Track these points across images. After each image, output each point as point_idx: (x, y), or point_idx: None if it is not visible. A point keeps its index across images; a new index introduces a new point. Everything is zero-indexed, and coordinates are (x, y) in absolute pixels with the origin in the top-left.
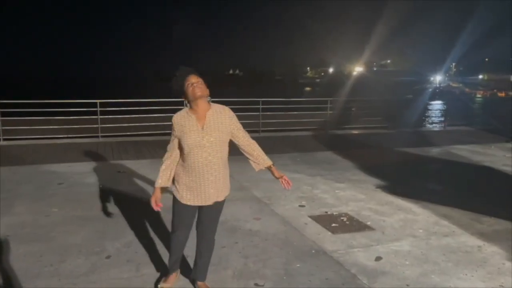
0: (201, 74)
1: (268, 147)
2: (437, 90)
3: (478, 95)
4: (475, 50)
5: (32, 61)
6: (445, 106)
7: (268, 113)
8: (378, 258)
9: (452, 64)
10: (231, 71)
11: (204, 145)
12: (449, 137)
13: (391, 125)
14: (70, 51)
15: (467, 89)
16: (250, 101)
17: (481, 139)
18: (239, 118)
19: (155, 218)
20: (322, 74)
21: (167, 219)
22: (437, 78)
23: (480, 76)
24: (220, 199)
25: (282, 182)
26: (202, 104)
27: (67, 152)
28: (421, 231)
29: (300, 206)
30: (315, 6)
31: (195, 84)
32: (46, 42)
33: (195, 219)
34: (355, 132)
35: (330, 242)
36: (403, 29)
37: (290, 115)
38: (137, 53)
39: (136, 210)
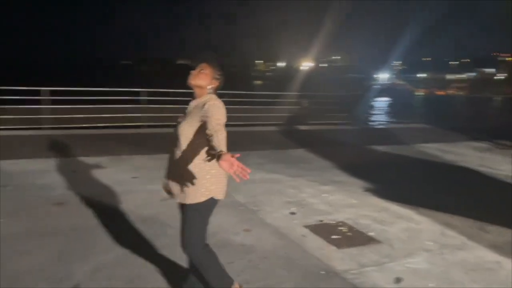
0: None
1: (236, 143)
2: (384, 87)
3: (420, 93)
4: (416, 49)
5: None
6: (396, 103)
7: (232, 107)
8: (398, 280)
9: (396, 62)
10: (181, 61)
11: (176, 134)
12: (414, 135)
13: (353, 122)
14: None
15: (410, 87)
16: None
17: (444, 137)
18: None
19: (127, 229)
20: (273, 68)
21: (142, 230)
22: (383, 75)
23: (421, 75)
24: (186, 201)
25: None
26: (196, 92)
27: (9, 147)
28: (431, 243)
29: (291, 213)
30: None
31: (192, 72)
32: None
33: None
34: (321, 128)
35: (338, 259)
36: (352, 26)
37: (254, 109)
38: (80, 40)
39: (102, 220)
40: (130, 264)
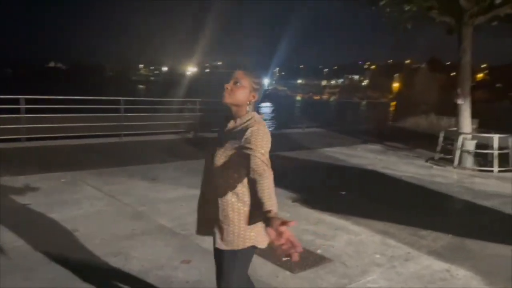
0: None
1: (141, 155)
2: (266, 93)
3: (298, 98)
4: (293, 56)
5: None
6: (280, 108)
7: (130, 114)
8: None
9: (276, 69)
10: (52, 64)
11: (210, 162)
12: (313, 139)
13: None
14: None
15: (290, 92)
16: (108, 100)
17: (341, 140)
18: (94, 120)
19: (41, 280)
20: (157, 72)
21: (62, 278)
22: (265, 81)
23: (299, 81)
24: (223, 246)
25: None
26: (233, 111)
27: None
28: (378, 256)
29: None
30: (147, 2)
31: (228, 87)
32: None
33: None
34: None
35: (298, 286)
36: (233, 31)
37: (150, 117)
38: None
39: (6, 266)
40: None
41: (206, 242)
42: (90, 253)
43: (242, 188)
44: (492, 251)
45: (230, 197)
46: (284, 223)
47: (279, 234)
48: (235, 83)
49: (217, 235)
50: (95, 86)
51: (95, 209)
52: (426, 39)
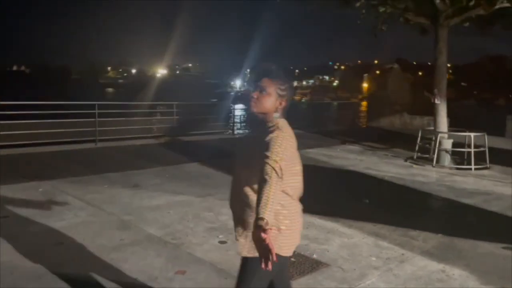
0: None
1: (118, 161)
2: (239, 94)
3: None
4: (265, 58)
5: None
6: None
7: (105, 119)
8: None
9: (247, 70)
10: (14, 67)
11: (236, 168)
12: None
13: (229, 130)
14: None
15: None
16: (81, 104)
17: (319, 141)
18: (66, 125)
19: None
20: (125, 74)
21: None
22: (237, 83)
23: None
24: (245, 251)
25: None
26: (261, 118)
27: None
28: (374, 259)
29: (220, 242)
30: (114, 2)
31: (254, 95)
32: None
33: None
34: (201, 138)
35: None
36: (204, 34)
37: (129, 121)
38: None
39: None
40: None
41: (199, 251)
42: (79, 266)
43: None
44: (482, 250)
45: (253, 203)
46: (265, 230)
47: (260, 240)
48: (261, 91)
49: (241, 240)
50: (61, 90)
51: (79, 220)
52: (394, 40)
